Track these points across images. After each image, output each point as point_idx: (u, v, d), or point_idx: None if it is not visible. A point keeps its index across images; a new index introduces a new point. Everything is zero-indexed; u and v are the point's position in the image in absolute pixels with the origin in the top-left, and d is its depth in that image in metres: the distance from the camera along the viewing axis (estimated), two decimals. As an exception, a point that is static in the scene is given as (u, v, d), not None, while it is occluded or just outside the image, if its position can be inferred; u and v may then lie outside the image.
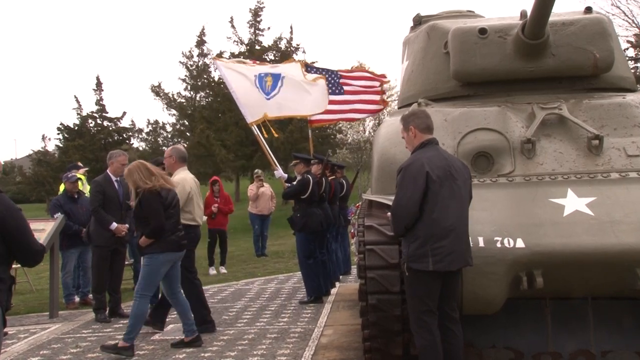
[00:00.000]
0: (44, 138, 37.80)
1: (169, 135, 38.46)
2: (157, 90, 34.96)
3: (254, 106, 10.24)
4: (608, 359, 5.18)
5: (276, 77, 10.58)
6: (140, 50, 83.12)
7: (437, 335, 4.47)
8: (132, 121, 37.21)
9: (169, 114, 36.71)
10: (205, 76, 34.59)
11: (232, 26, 32.46)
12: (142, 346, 6.70)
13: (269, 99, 10.40)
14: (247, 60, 11.88)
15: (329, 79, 12.03)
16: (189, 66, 35.18)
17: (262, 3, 33.12)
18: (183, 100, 35.41)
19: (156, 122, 38.94)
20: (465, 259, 4.46)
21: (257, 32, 32.95)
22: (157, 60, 79.44)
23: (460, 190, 4.52)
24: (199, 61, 35.14)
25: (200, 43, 35.06)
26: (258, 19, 33.04)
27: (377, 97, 12.40)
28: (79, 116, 32.87)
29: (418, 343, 4.53)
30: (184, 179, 7.10)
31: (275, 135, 11.59)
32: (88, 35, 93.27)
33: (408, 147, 4.83)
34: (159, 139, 38.50)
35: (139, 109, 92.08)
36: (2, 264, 3.33)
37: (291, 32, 32.80)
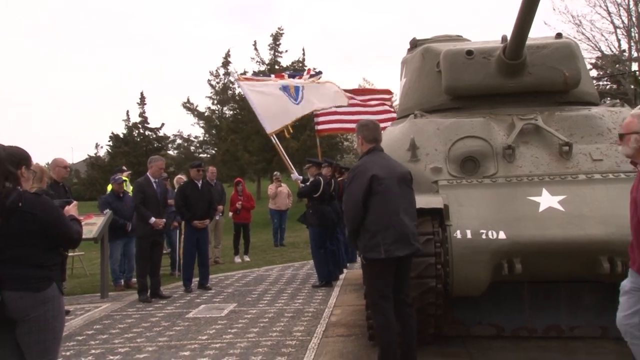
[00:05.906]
0: (96, 146, 37.87)
1: (198, 144, 38.53)
2: (187, 106, 35.01)
3: (276, 116, 10.15)
4: (575, 333, 5.22)
5: (296, 87, 10.65)
6: (176, 70, 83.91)
7: (391, 317, 4.36)
8: (174, 134, 37.07)
9: (199, 126, 36.64)
10: (230, 92, 34.65)
11: (255, 48, 32.47)
12: (178, 322, 6.78)
13: (297, 103, 10.48)
14: (272, 76, 11.81)
15: None
16: (216, 83, 35.20)
17: (282, 29, 33.26)
18: (210, 114, 35.37)
19: (182, 134, 38.85)
20: (411, 246, 4.35)
21: (276, 54, 32.93)
22: (189, 78, 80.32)
23: (401, 187, 4.43)
24: (224, 79, 35.16)
25: (226, 63, 35.11)
26: (277, 43, 33.04)
27: (382, 108, 11.91)
28: (126, 127, 32.99)
29: (375, 324, 4.46)
30: None
31: (287, 135, 11.36)
32: (134, 56, 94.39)
33: (358, 150, 4.78)
34: (191, 147, 38.57)
35: (176, 120, 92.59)
36: (53, 251, 3.41)
37: (303, 53, 32.72)
